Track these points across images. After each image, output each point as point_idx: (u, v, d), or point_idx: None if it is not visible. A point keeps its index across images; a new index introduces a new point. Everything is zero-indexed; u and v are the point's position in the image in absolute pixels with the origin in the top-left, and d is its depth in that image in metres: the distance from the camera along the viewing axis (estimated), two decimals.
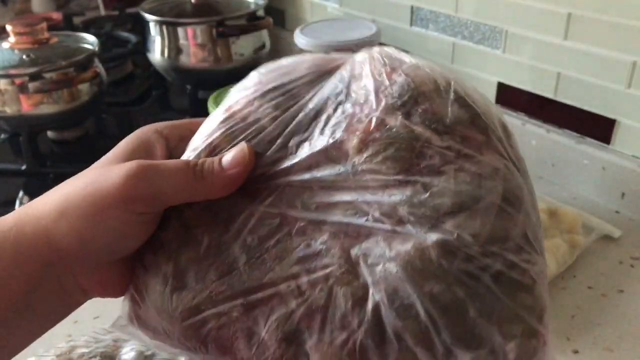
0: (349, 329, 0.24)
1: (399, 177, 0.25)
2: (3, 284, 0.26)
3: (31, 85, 0.71)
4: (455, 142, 0.25)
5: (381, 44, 0.63)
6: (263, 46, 0.91)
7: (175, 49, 0.85)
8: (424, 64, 0.27)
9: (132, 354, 0.38)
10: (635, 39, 0.59)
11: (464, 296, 0.23)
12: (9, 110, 0.73)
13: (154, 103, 0.93)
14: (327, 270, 0.25)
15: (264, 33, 0.90)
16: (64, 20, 1.10)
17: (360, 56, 0.29)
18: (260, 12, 0.89)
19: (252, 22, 0.86)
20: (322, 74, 0.29)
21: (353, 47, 0.57)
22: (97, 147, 0.83)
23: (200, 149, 0.28)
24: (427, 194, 0.24)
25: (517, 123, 0.73)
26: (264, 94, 0.29)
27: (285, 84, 0.29)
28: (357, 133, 0.26)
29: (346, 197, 0.25)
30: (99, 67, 0.79)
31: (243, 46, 0.87)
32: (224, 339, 0.26)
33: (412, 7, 0.82)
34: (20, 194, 0.72)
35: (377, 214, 0.25)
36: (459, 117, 0.26)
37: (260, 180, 0.27)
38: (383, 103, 0.26)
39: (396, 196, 0.25)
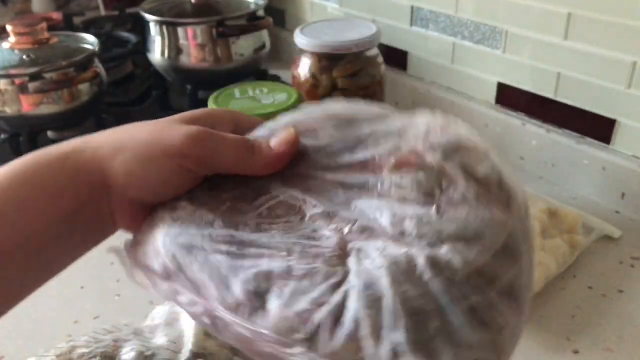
0: (313, 304, 0.25)
1: (419, 196, 0.27)
2: (60, 195, 0.30)
3: (31, 85, 0.71)
4: (478, 190, 0.28)
5: (381, 44, 0.63)
6: (263, 46, 0.91)
7: (175, 49, 0.85)
8: (475, 134, 0.31)
9: (132, 354, 0.38)
10: (636, 39, 0.59)
11: (433, 309, 0.24)
12: (9, 110, 0.73)
13: (154, 103, 0.93)
14: (319, 250, 0.27)
15: (264, 33, 0.90)
16: (64, 20, 1.09)
17: (422, 116, 0.32)
18: (260, 12, 0.89)
19: (252, 22, 0.86)
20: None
21: (353, 47, 0.57)
22: None
23: (258, 134, 0.32)
24: (437, 217, 0.26)
25: (517, 123, 0.73)
26: (330, 118, 0.33)
27: (347, 115, 0.33)
28: (396, 156, 0.29)
29: (365, 199, 0.28)
30: (98, 67, 0.79)
31: (243, 46, 0.87)
32: (200, 275, 0.28)
33: (412, 7, 0.82)
34: None
35: (385, 220, 0.27)
36: (490, 175, 0.29)
37: (298, 171, 0.31)
38: (428, 143, 0.29)
39: (409, 210, 0.27)
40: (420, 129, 0.30)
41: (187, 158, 0.30)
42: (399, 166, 0.29)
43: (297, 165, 0.31)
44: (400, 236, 0.26)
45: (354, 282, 0.25)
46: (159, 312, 0.43)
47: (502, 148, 0.75)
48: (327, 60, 0.59)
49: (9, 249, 0.28)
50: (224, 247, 0.28)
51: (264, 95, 0.56)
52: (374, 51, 0.61)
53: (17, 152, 0.79)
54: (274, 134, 0.32)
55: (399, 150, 0.29)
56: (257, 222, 0.29)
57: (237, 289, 0.26)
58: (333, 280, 0.25)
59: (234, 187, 0.31)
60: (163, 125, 0.31)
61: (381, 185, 0.28)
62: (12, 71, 0.72)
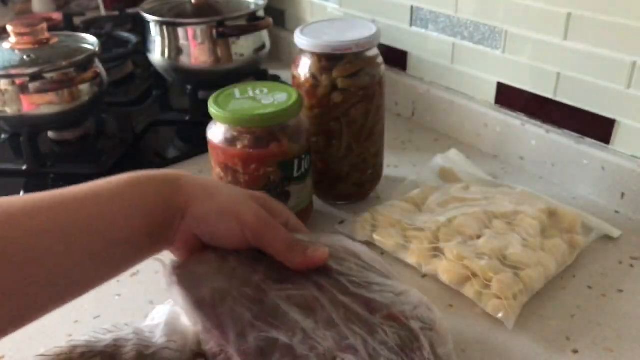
0: None
1: (395, 346, 0.36)
2: (152, 214, 0.38)
3: (31, 86, 0.71)
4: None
5: (381, 44, 0.63)
6: (263, 46, 0.91)
7: (175, 49, 0.85)
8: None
9: (133, 353, 0.38)
10: (635, 39, 0.59)
11: None
12: (9, 110, 0.73)
13: (154, 103, 0.94)
14: (315, 344, 0.35)
15: (264, 33, 0.90)
16: (65, 20, 1.10)
17: (417, 292, 0.42)
18: (260, 13, 0.89)
19: (252, 22, 0.86)
20: None
21: (353, 47, 0.57)
22: (97, 147, 0.83)
23: (301, 237, 0.42)
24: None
25: (516, 123, 0.73)
26: (354, 255, 0.44)
27: (367, 260, 0.43)
28: (391, 310, 0.38)
29: (357, 328, 0.36)
30: (99, 67, 0.79)
31: (243, 46, 0.87)
32: (225, 317, 0.36)
33: (412, 8, 0.82)
34: (21, 194, 0.72)
35: (365, 351, 0.35)
36: (445, 355, 0.39)
37: (318, 280, 0.39)
38: (415, 313, 0.39)
39: (385, 352, 0.36)
40: (413, 301, 0.39)
41: (250, 230, 0.39)
42: (389, 317, 0.37)
43: (319, 276, 0.40)
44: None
45: None
46: (159, 312, 0.43)
47: (501, 148, 0.76)
48: (327, 60, 0.59)
49: (101, 248, 0.36)
50: (250, 305, 0.36)
51: (264, 96, 0.56)
52: (374, 51, 0.61)
53: (18, 152, 0.79)
54: (312, 244, 0.40)
55: (394, 306, 0.38)
56: (273, 301, 0.37)
57: (251, 340, 0.34)
58: None
59: (269, 265, 0.40)
60: (242, 197, 0.41)
61: (371, 325, 0.36)
62: (13, 71, 0.72)
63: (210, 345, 0.35)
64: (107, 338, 0.40)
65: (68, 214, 0.35)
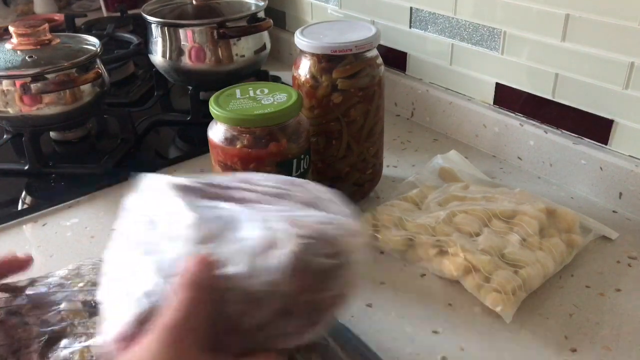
0: None
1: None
2: None
3: (33, 86, 0.72)
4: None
5: (380, 45, 0.64)
6: (264, 47, 0.91)
7: (176, 51, 0.86)
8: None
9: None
10: (633, 40, 0.59)
11: None
12: (11, 110, 0.74)
13: (156, 104, 0.94)
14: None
15: (265, 34, 0.91)
16: (66, 21, 1.10)
17: None
18: (261, 14, 0.89)
19: (252, 23, 0.87)
20: None
21: (353, 48, 0.58)
22: (99, 147, 0.83)
23: None
24: None
25: (515, 124, 0.73)
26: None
27: None
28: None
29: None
30: (101, 68, 0.79)
31: (244, 47, 0.87)
32: None
33: (411, 9, 0.82)
34: (23, 194, 0.72)
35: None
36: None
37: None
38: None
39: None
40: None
41: None
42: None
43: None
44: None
45: None
46: None
47: (500, 148, 0.76)
48: (327, 61, 0.59)
49: None
50: None
51: (265, 96, 0.56)
52: (374, 52, 0.62)
53: (20, 153, 0.79)
54: None
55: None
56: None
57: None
58: None
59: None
60: None
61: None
62: (15, 72, 0.72)
63: None
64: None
65: None
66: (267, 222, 0.35)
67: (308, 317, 0.36)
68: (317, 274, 0.35)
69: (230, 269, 0.33)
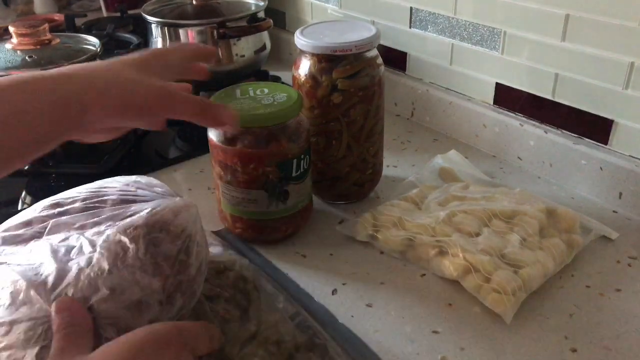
0: None
1: None
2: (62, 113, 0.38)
3: None
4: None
5: (380, 45, 0.64)
6: (264, 47, 0.91)
7: None
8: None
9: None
10: (633, 40, 0.59)
11: None
12: None
13: None
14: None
15: (265, 34, 0.91)
16: (66, 21, 1.10)
17: None
18: (261, 14, 0.89)
19: (252, 23, 0.87)
20: None
21: (353, 48, 0.58)
22: (99, 147, 0.83)
23: None
24: None
25: (515, 124, 0.73)
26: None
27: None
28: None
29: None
30: None
31: (244, 47, 0.87)
32: None
33: (411, 9, 0.82)
34: (23, 194, 0.72)
35: None
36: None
37: None
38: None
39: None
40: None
41: (157, 110, 0.43)
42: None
43: None
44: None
45: None
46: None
47: (500, 148, 0.76)
48: (327, 61, 0.59)
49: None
50: None
51: (265, 96, 0.56)
52: (374, 52, 0.62)
53: None
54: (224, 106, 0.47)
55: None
56: None
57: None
58: None
59: None
60: (137, 78, 0.42)
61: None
62: (15, 72, 0.72)
63: None
64: None
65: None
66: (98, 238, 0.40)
67: (188, 290, 0.40)
68: (169, 260, 0.39)
69: (94, 298, 0.37)
